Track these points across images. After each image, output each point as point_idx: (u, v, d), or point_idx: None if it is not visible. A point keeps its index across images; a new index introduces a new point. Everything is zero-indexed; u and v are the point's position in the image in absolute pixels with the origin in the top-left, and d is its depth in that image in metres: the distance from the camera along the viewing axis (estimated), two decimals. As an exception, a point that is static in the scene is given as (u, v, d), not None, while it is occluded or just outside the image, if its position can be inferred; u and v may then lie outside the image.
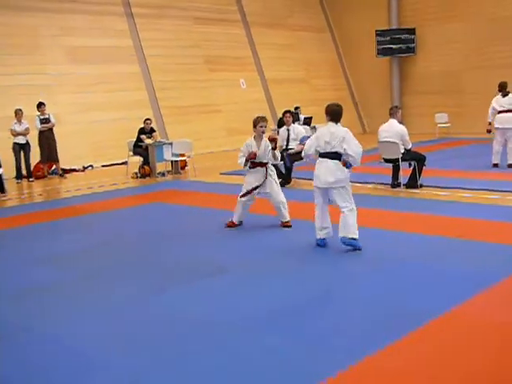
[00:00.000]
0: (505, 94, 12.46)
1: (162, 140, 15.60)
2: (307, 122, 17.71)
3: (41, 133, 14.96)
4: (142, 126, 14.84)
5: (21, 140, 14.59)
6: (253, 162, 8.02)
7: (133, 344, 4.44)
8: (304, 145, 7.51)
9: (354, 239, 6.69)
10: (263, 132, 8.12)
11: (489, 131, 12.91)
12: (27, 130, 14.63)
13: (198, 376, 3.84)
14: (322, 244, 6.98)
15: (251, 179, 8.10)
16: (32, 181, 14.75)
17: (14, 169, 14.54)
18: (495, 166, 12.60)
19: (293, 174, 12.03)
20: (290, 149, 11.87)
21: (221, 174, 13.90)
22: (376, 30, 24.53)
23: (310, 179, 11.88)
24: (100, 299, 5.51)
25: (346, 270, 6.12)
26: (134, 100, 18.33)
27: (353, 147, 6.81)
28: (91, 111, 17.41)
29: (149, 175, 14.29)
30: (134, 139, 14.77)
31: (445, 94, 23.08)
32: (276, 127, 17.17)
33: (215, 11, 21.69)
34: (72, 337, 4.63)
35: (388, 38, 24.38)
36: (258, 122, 8.03)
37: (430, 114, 22.51)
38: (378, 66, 25.27)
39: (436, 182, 11.01)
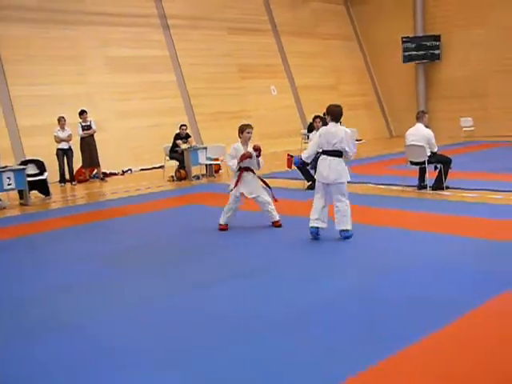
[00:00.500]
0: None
1: (196, 145, 16.00)
2: (336, 127, 17.98)
3: (82, 139, 15.48)
4: (178, 131, 15.25)
5: (64, 146, 15.12)
6: (240, 167, 8.31)
7: (166, 338, 4.58)
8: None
9: (349, 230, 7.40)
10: (249, 138, 8.46)
11: None
12: (70, 136, 15.13)
13: (227, 370, 3.96)
14: (314, 233, 7.52)
15: (245, 185, 8.36)
16: (75, 184, 15.31)
17: (58, 173, 15.10)
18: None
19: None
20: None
21: None
22: (402, 37, 24.85)
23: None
24: (142, 297, 5.67)
25: (374, 267, 6.18)
26: (170, 107, 18.91)
27: (350, 146, 7.47)
28: (130, 118, 18.02)
29: (184, 178, 14.70)
30: (171, 144, 15.18)
31: (469, 99, 23.29)
32: (306, 132, 17.55)
33: (247, 21, 22.27)
34: (111, 332, 4.79)
35: (414, 45, 24.69)
36: (245, 128, 8.40)
37: (455, 118, 22.72)
38: (404, 72, 25.58)
39: (461, 183, 11.09)
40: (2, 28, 16.32)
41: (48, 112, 15.88)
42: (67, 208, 11.94)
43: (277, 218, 8.45)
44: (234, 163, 8.31)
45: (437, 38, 24.39)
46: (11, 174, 11.88)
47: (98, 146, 15.73)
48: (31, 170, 13.01)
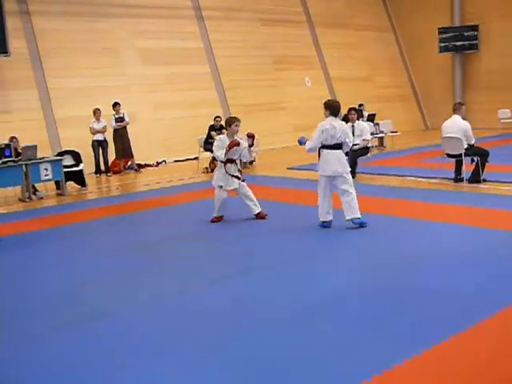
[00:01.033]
0: None
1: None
2: (371, 118, 17.93)
3: (115, 131, 15.62)
4: (212, 123, 15.28)
5: (99, 137, 15.32)
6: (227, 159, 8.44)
7: (202, 326, 4.68)
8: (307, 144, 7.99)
9: (360, 218, 7.62)
10: (237, 131, 8.58)
11: None
12: (105, 128, 15.33)
13: (257, 357, 4.04)
14: (326, 226, 7.78)
15: (222, 176, 8.52)
16: (110, 175, 15.51)
17: (93, 164, 15.31)
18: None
19: (357, 169, 12.29)
20: (355, 144, 12.07)
21: (288, 168, 14.16)
22: (439, 28, 24.51)
23: (374, 174, 12.33)
24: (177, 285, 5.80)
25: (408, 260, 6.15)
26: (205, 99, 18.97)
27: (350, 138, 7.82)
28: (164, 110, 18.14)
29: (219, 170, 14.82)
30: (205, 136, 15.22)
31: (508, 90, 22.81)
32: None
33: (281, 13, 22.18)
34: (149, 318, 4.90)
35: (451, 35, 24.34)
36: (233, 121, 8.52)
37: (493, 109, 22.34)
38: (441, 63, 25.23)
39: (499, 176, 10.94)
40: (39, 21, 16.56)
41: (84, 104, 16.07)
42: (102, 199, 12.15)
43: (257, 210, 8.59)
44: (221, 153, 8.42)
45: (474, 28, 23.98)
46: (48, 165, 12.06)
47: (132, 138, 15.87)
48: (68, 161, 13.21)
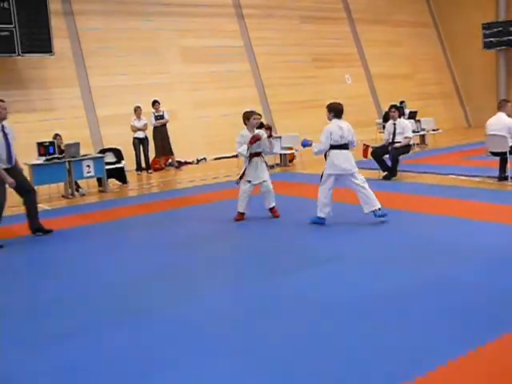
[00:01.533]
0: None
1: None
2: (412, 116, 17.75)
3: (155, 128, 15.78)
4: (252, 121, 15.39)
5: (140, 135, 15.51)
6: (250, 153, 8.41)
7: (249, 320, 4.70)
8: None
9: (381, 209, 7.79)
10: (257, 124, 8.62)
11: None
12: (145, 125, 15.49)
13: (317, 353, 4.03)
14: (322, 222, 7.95)
15: (251, 172, 8.51)
16: (150, 173, 15.67)
17: (134, 162, 15.49)
18: None
19: (399, 167, 12.17)
20: (397, 142, 12.01)
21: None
22: (482, 24, 24.06)
23: (416, 172, 12.19)
24: (222, 281, 5.86)
25: (452, 258, 6.12)
26: (244, 96, 18.98)
27: (354, 137, 8.05)
28: (205, 107, 18.24)
29: (258, 167, 14.82)
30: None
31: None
32: (381, 121, 17.34)
33: (321, 10, 22.06)
34: (191, 315, 4.90)
35: (495, 31, 23.84)
36: (252, 115, 8.51)
37: (540, 107, 21.83)
38: (484, 59, 24.74)
39: None
40: (82, 21, 16.83)
41: (125, 102, 16.24)
42: (142, 196, 12.27)
43: (273, 204, 8.62)
44: (243, 149, 8.40)
45: (520, 23, 23.46)
46: (91, 163, 12.24)
47: (172, 135, 16.00)
48: (109, 158, 13.35)
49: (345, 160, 7.87)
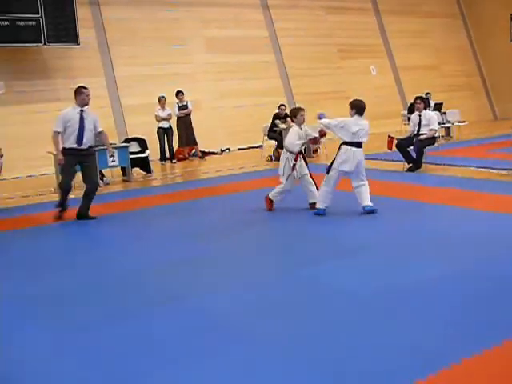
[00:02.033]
0: None
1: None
2: (438, 107, 17.57)
3: (179, 118, 15.80)
4: (277, 111, 15.30)
5: (164, 125, 15.54)
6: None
7: (274, 311, 4.68)
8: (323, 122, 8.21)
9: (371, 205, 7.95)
10: (304, 120, 8.56)
11: None
12: (170, 115, 15.51)
13: (338, 345, 4.00)
14: (323, 213, 8.03)
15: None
16: (174, 162, 15.72)
17: (159, 151, 15.55)
18: None
19: (423, 159, 12.10)
20: (422, 134, 11.90)
21: None
22: (511, 14, 23.72)
23: (440, 164, 12.07)
24: (243, 271, 5.86)
25: (479, 251, 6.09)
26: (269, 87, 18.97)
27: (367, 138, 8.13)
28: (229, 98, 18.22)
29: (282, 158, 14.80)
30: (269, 124, 15.24)
31: None
32: (406, 113, 17.21)
33: (346, 0, 21.90)
34: (216, 304, 4.90)
35: (524, 22, 23.48)
36: (298, 112, 8.51)
37: None
38: (512, 51, 24.45)
39: None
40: (107, 11, 16.91)
41: (150, 91, 16.30)
42: (166, 185, 12.32)
43: (315, 199, 8.41)
44: (299, 143, 8.43)
45: (550, 13, 23.03)
46: (115, 152, 12.26)
47: (197, 126, 16.01)
48: (134, 147, 13.39)
49: (354, 159, 7.91)
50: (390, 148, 11.51)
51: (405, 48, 23.28)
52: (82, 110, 8.73)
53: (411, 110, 14.36)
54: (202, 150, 16.47)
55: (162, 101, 15.50)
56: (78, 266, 6.40)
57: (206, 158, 16.35)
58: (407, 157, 11.82)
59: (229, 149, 17.74)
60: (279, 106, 15.41)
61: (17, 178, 14.17)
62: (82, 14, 15.94)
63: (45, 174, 13.97)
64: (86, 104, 8.82)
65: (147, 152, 13.63)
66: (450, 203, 8.38)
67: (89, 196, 8.83)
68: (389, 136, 11.39)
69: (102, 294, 5.39)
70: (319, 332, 4.23)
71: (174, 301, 5.05)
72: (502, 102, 24.85)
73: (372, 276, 5.44)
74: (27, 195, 11.53)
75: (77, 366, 3.91)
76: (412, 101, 13.29)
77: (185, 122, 15.84)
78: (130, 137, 14.33)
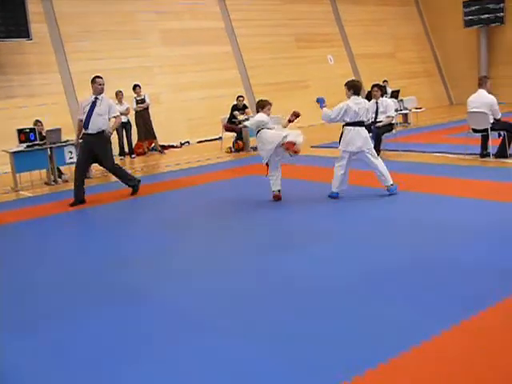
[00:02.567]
0: None
1: (253, 116, 16.01)
2: (395, 95, 17.73)
3: (137, 113, 15.62)
4: (235, 102, 15.27)
5: (122, 119, 15.37)
6: None
7: (235, 302, 4.75)
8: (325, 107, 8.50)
9: (393, 185, 8.17)
10: (269, 114, 8.78)
11: None
12: (127, 110, 15.28)
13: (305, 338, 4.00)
14: (336, 196, 8.25)
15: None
16: (134, 157, 15.56)
17: (117, 146, 15.28)
18: None
19: (381, 146, 12.19)
20: (379, 121, 12.02)
21: (311, 147, 13.95)
22: (463, 1, 24.06)
23: (399, 150, 12.22)
24: (209, 261, 5.92)
25: (437, 235, 6.18)
26: (227, 78, 18.93)
27: (368, 116, 8.55)
28: (186, 90, 18.12)
29: (242, 149, 14.76)
30: (228, 116, 15.22)
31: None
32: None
33: (302, -11, 21.95)
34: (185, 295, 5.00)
35: (475, 9, 23.84)
36: (265, 105, 8.71)
37: (520, 84, 21.87)
38: (465, 37, 24.77)
39: None
40: (60, 5, 16.59)
41: (106, 86, 15.91)
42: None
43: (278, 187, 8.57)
44: (271, 148, 8.50)
45: (500, 0, 23.44)
46: (73, 149, 12.12)
47: (155, 119, 15.89)
48: (91, 143, 13.19)
49: (359, 138, 8.10)
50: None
51: (361, 36, 23.45)
52: (96, 98, 9.63)
53: (369, 97, 14.43)
54: (162, 143, 16.34)
55: (119, 95, 15.31)
56: (35, 265, 6.32)
57: (166, 151, 16.24)
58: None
59: (188, 142, 17.66)
60: (237, 98, 15.38)
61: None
62: (34, 8, 15.62)
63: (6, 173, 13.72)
64: (100, 92, 9.71)
65: (105, 148, 13.43)
66: (409, 189, 8.49)
67: (117, 176, 10.05)
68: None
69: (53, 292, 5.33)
70: (281, 319, 4.28)
71: (134, 293, 5.07)
72: (457, 87, 25.26)
73: (329, 265, 5.50)
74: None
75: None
76: (369, 89, 13.34)
77: (143, 116, 15.68)
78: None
